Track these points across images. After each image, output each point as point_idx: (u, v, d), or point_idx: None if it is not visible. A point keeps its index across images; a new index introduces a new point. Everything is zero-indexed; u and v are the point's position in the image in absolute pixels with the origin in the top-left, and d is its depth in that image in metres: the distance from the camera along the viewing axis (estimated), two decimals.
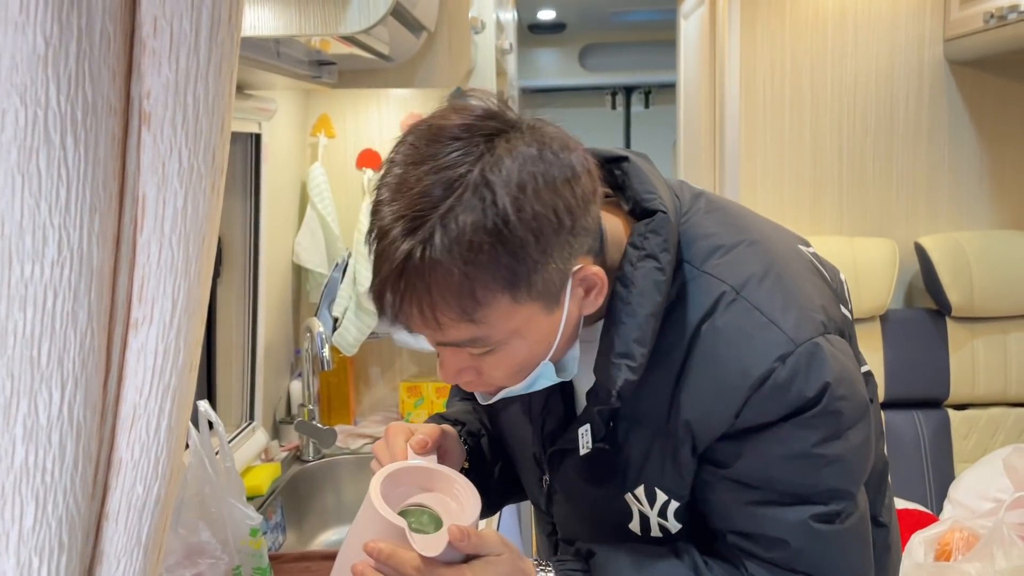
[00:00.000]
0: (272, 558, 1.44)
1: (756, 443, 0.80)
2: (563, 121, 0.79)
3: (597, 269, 0.78)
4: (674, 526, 0.87)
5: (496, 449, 1.04)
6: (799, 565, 0.81)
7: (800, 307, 0.82)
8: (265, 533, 1.73)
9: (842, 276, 0.96)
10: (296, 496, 1.99)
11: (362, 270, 2.18)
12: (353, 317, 2.21)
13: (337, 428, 2.17)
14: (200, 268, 0.35)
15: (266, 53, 1.29)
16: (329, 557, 1.51)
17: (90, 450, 0.36)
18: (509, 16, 2.88)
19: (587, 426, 0.86)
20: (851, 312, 0.94)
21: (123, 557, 0.35)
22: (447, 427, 0.95)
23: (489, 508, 1.02)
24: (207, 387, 1.87)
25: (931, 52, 2.28)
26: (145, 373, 0.35)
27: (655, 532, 0.88)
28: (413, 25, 1.66)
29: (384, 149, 2.57)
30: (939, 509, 2.10)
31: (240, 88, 1.68)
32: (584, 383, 0.89)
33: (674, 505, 0.85)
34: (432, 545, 0.75)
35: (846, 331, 0.87)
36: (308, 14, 1.22)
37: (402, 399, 2.32)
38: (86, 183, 0.33)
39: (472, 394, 1.10)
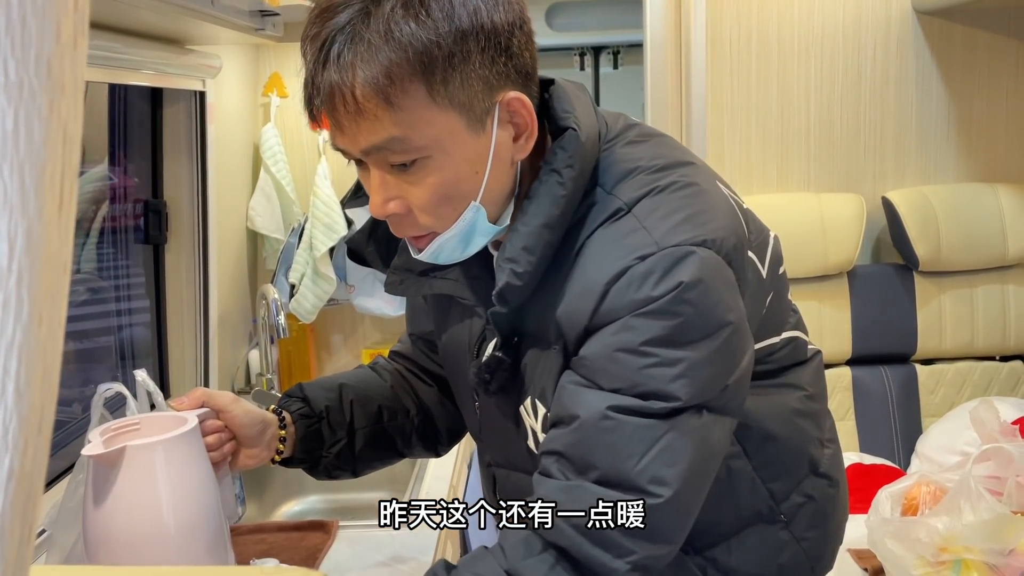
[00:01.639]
0: None
1: (600, 335, 0.79)
2: None
3: (527, 101, 0.80)
4: None
5: (339, 430, 1.08)
6: (589, 455, 0.78)
7: (683, 219, 0.80)
8: None
9: (773, 234, 0.94)
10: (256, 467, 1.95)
11: (319, 235, 2.11)
12: (310, 283, 2.15)
13: None
14: (42, 204, 0.30)
15: (199, 0, 1.21)
16: (285, 528, 1.47)
17: None
18: None
19: (496, 340, 0.87)
20: (783, 270, 0.94)
21: None
22: (221, 398, 1.01)
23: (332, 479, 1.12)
24: (157, 358, 1.82)
25: (899, 2, 2.24)
26: None
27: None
28: None
29: None
30: (907, 464, 2.09)
31: (179, 42, 1.60)
32: None
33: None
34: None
35: (750, 274, 0.85)
36: None
37: None
38: None
39: (381, 361, 1.17)
